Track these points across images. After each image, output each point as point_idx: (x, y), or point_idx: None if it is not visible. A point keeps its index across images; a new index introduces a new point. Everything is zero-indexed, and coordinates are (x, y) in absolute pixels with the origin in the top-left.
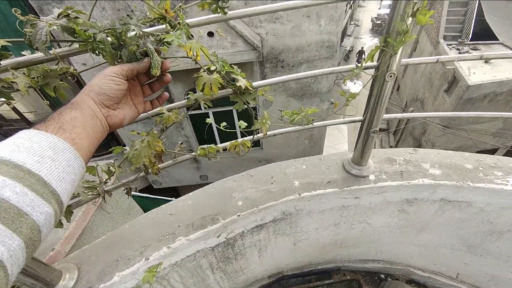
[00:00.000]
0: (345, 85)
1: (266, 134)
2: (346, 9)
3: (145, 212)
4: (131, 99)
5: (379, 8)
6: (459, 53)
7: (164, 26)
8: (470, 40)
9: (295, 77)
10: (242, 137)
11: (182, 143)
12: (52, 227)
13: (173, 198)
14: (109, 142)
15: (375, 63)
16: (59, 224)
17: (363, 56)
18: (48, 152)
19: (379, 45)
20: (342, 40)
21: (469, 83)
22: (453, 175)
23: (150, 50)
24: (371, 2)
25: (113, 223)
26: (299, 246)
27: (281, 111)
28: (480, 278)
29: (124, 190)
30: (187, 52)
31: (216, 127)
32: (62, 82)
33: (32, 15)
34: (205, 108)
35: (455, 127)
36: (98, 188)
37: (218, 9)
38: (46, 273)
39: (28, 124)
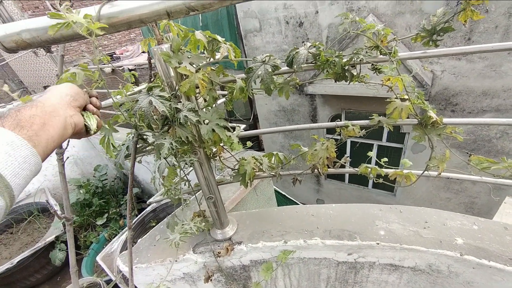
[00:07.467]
0: None
1: (440, 174)
2: None
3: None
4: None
5: None
6: None
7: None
8: None
9: None
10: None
11: (348, 156)
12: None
13: (306, 204)
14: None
15: None
16: (245, 184)
17: None
18: (5, 147)
19: None
20: None
21: None
22: None
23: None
24: None
25: (258, 204)
26: None
27: (468, 154)
28: None
29: (291, 179)
30: (383, 81)
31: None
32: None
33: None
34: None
35: None
36: (276, 170)
37: (431, 42)
38: (223, 215)
39: None
